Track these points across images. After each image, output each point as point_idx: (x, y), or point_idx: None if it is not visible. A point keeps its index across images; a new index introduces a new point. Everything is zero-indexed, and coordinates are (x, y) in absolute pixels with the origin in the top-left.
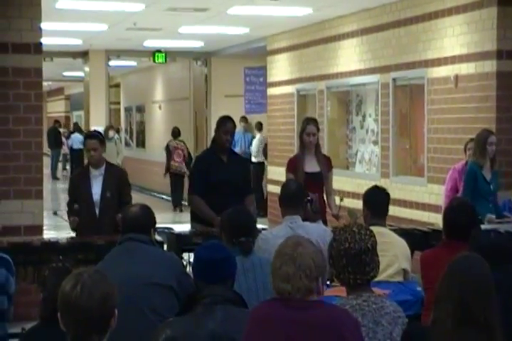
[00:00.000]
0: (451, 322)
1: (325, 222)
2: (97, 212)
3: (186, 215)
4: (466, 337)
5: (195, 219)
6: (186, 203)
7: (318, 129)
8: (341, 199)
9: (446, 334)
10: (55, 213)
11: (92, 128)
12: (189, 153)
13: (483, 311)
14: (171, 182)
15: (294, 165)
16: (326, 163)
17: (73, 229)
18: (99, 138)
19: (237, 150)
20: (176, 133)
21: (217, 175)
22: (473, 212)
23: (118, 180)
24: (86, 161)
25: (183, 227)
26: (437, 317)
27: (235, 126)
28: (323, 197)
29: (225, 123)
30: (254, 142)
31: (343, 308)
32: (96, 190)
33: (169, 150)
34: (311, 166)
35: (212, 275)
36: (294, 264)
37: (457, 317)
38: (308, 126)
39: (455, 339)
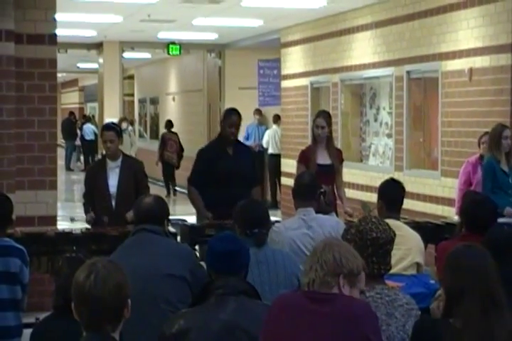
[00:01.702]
0: (479, 312)
1: (336, 215)
2: (114, 204)
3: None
4: (493, 324)
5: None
6: (179, 189)
7: (328, 122)
8: (370, 211)
9: (475, 325)
10: (72, 219)
11: (106, 119)
12: (181, 145)
13: (502, 296)
14: (163, 170)
15: (306, 157)
16: (337, 156)
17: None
18: (116, 129)
19: (250, 142)
20: (168, 125)
21: (223, 167)
22: (496, 208)
23: (135, 172)
24: (100, 152)
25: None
26: (462, 310)
27: (240, 118)
28: (334, 189)
29: (230, 115)
30: (265, 134)
31: (364, 301)
32: (112, 182)
33: (163, 141)
34: (323, 158)
35: (226, 266)
36: (313, 259)
37: (485, 306)
38: (318, 118)
39: (484, 328)
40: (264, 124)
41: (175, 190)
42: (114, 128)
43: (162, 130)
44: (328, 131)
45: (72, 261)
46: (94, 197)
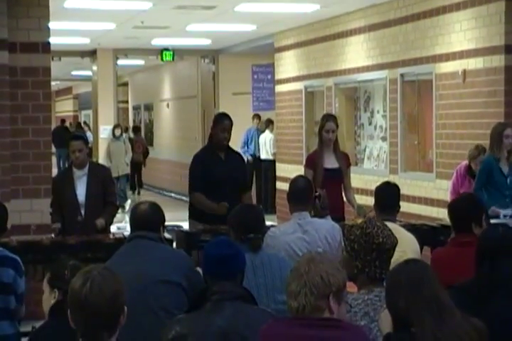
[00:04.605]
0: (434, 319)
1: (343, 219)
2: (83, 212)
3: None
4: (451, 327)
5: (192, 216)
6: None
7: (337, 126)
8: (365, 214)
9: (433, 334)
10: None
11: (101, 127)
12: (146, 147)
13: (447, 299)
14: (131, 169)
15: (313, 162)
16: (345, 160)
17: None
18: (83, 138)
19: (251, 148)
20: (136, 129)
21: (217, 172)
22: (473, 204)
23: (102, 179)
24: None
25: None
26: (415, 323)
27: (231, 123)
28: (341, 193)
29: (222, 120)
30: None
31: (359, 328)
32: (80, 190)
33: (132, 144)
34: (330, 162)
35: (222, 271)
36: (300, 281)
37: (437, 312)
38: (328, 122)
39: (443, 333)
40: (263, 129)
41: (135, 188)
42: (82, 138)
43: (157, 136)
44: (335, 134)
45: (74, 269)
46: (62, 206)
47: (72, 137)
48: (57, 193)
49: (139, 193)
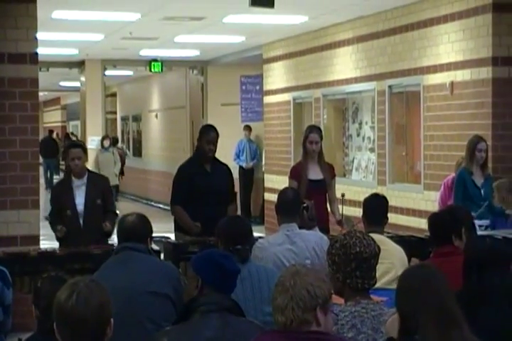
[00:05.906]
0: (438, 329)
1: (327, 230)
2: (82, 222)
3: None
4: (455, 339)
5: (178, 228)
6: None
7: (321, 137)
8: (343, 195)
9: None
10: (47, 218)
11: (89, 138)
12: (122, 156)
13: (458, 311)
14: None
15: (297, 173)
16: (329, 171)
17: (59, 239)
18: (83, 146)
19: (243, 159)
20: (114, 141)
21: (202, 185)
22: (452, 217)
23: (101, 189)
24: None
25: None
26: (420, 329)
27: (217, 135)
28: (325, 204)
29: (209, 132)
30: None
31: (346, 340)
32: (79, 200)
33: None
34: (315, 174)
35: (229, 285)
36: (286, 295)
37: (442, 324)
38: (311, 134)
39: None
40: (254, 142)
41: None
42: (81, 146)
43: (145, 147)
44: (319, 145)
45: (55, 280)
46: (61, 216)
47: (71, 145)
48: (57, 203)
49: (116, 200)
